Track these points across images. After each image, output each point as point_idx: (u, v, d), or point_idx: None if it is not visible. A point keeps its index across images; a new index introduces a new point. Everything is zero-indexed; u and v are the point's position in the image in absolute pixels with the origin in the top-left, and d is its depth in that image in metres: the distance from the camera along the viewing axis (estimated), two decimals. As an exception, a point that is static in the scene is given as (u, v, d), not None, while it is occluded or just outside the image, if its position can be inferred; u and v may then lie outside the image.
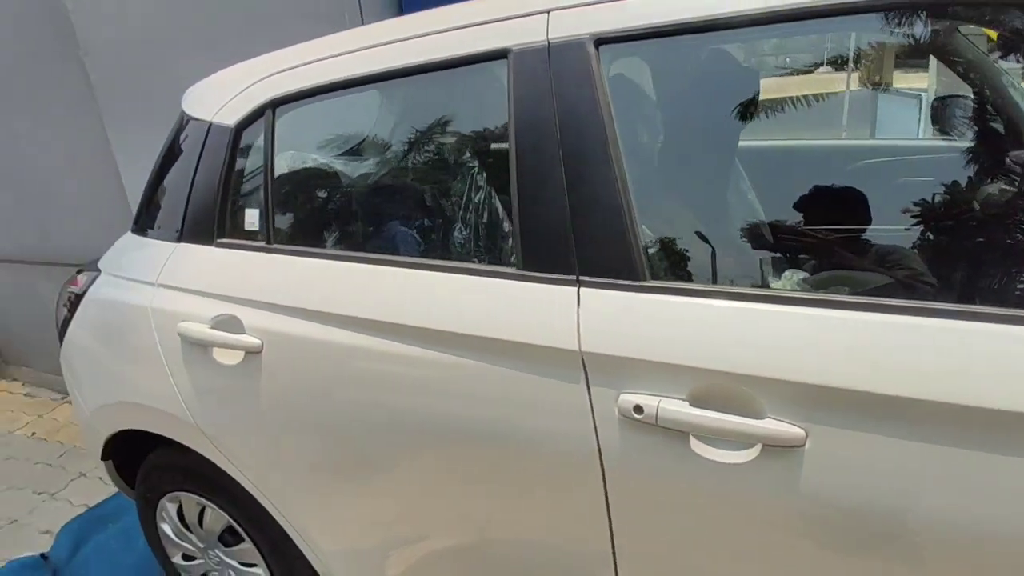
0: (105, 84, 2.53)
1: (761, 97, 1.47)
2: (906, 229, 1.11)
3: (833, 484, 0.80)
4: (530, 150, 0.98)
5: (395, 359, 1.07)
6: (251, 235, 1.30)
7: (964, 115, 1.70)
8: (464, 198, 1.16)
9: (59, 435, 2.96)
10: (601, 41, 0.94)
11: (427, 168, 1.30)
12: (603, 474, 0.94)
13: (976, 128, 1.61)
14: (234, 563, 1.56)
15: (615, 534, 0.99)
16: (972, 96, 1.61)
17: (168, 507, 1.60)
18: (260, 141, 1.30)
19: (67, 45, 2.51)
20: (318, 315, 1.14)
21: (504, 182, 1.01)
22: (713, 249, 1.03)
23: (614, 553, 1.00)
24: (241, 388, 1.24)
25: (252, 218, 1.30)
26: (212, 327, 1.25)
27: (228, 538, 1.55)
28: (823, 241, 1.11)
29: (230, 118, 1.33)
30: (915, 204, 1.11)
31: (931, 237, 1.14)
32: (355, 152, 1.38)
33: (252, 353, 1.21)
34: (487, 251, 1.16)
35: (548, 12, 0.98)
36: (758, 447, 0.84)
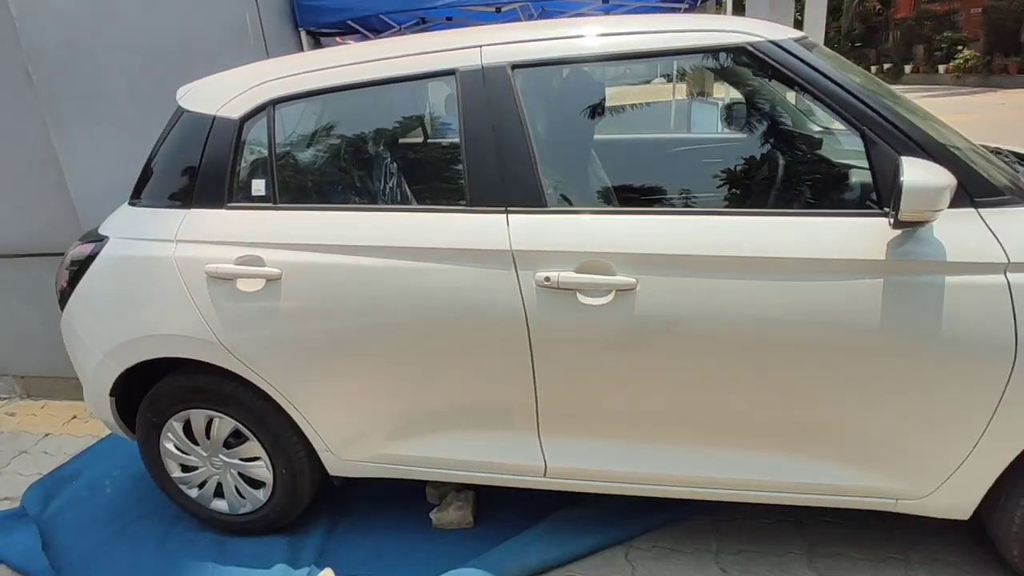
0: (48, 89, 2.73)
1: (609, 103, 2.21)
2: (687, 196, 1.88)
3: (654, 308, 1.50)
4: (474, 133, 1.59)
5: (388, 270, 1.62)
6: (258, 199, 1.77)
7: (741, 115, 2.57)
8: (429, 165, 1.74)
9: (-17, 422, 3.03)
10: (515, 66, 1.58)
11: (402, 147, 1.86)
12: (527, 325, 1.57)
13: (750, 124, 2.46)
14: (236, 461, 1.98)
15: (536, 375, 1.61)
16: (745, 103, 2.47)
17: (175, 425, 1.97)
18: (262, 131, 1.77)
19: (11, 51, 2.68)
20: (326, 247, 1.65)
21: (456, 152, 1.61)
22: (581, 189, 1.71)
23: (536, 392, 1.63)
24: (262, 308, 1.71)
25: (259, 186, 1.77)
26: (237, 264, 1.71)
27: (231, 441, 1.97)
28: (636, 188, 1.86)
29: (235, 112, 1.78)
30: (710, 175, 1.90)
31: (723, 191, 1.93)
32: (342, 138, 1.90)
33: (272, 280, 1.69)
34: (446, 197, 1.75)
35: (480, 47, 1.60)
36: (613, 292, 1.51)
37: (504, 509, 2.08)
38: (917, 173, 1.25)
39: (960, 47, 18.84)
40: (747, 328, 1.45)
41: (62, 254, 2.00)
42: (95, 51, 2.72)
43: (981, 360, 1.36)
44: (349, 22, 5.28)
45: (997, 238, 1.33)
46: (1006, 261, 1.32)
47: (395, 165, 1.86)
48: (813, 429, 1.53)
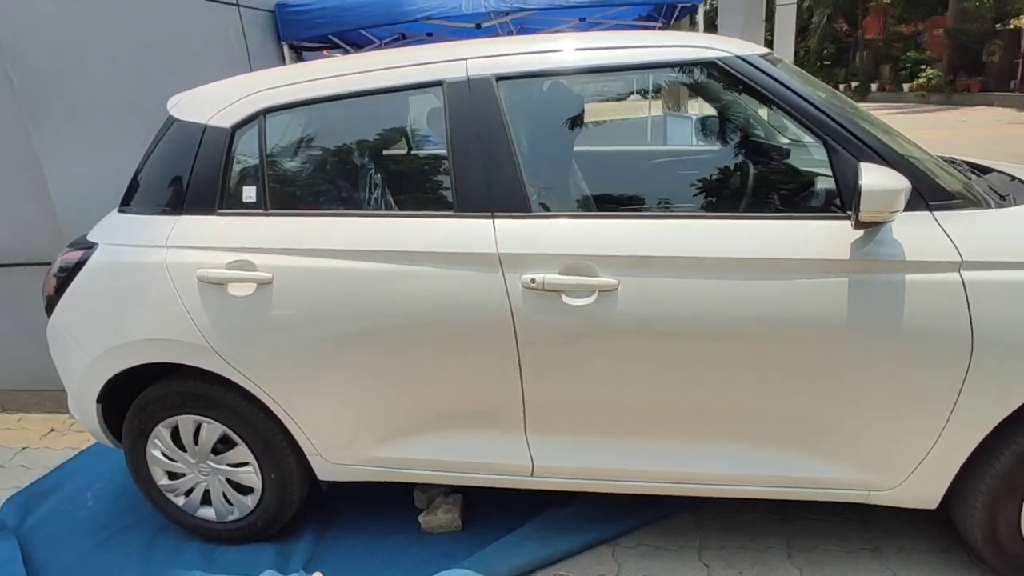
0: (30, 94, 2.73)
1: (589, 118, 2.31)
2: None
3: (634, 307, 1.56)
4: (460, 141, 1.65)
5: (377, 274, 1.66)
6: (249, 205, 1.81)
7: (714, 128, 2.67)
8: (415, 173, 1.79)
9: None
10: (499, 77, 1.65)
11: (388, 157, 1.92)
12: (514, 326, 1.62)
13: (723, 135, 2.57)
14: (224, 467, 1.99)
15: (523, 375, 1.66)
16: (718, 116, 2.58)
17: (162, 432, 1.98)
18: (253, 139, 1.81)
19: None
20: (316, 251, 1.69)
21: (441, 162, 1.67)
22: (564, 195, 1.78)
23: (523, 392, 1.68)
24: (254, 312, 1.74)
25: (250, 193, 1.81)
26: (228, 269, 1.74)
27: (220, 447, 1.98)
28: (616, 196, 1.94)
29: (226, 121, 1.82)
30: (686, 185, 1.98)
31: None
32: (331, 148, 1.95)
33: (263, 284, 1.72)
34: (434, 204, 1.80)
35: (466, 59, 1.67)
36: (596, 293, 1.57)
37: (492, 512, 2.11)
38: (874, 177, 1.34)
39: (924, 66, 19.57)
40: (723, 326, 1.52)
41: (42, 263, 2.01)
42: (80, 58, 2.74)
43: (940, 353, 1.45)
44: (331, 36, 5.37)
45: (951, 238, 1.43)
46: (959, 260, 1.42)
47: (381, 174, 1.91)
48: (787, 424, 1.60)
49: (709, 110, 2.74)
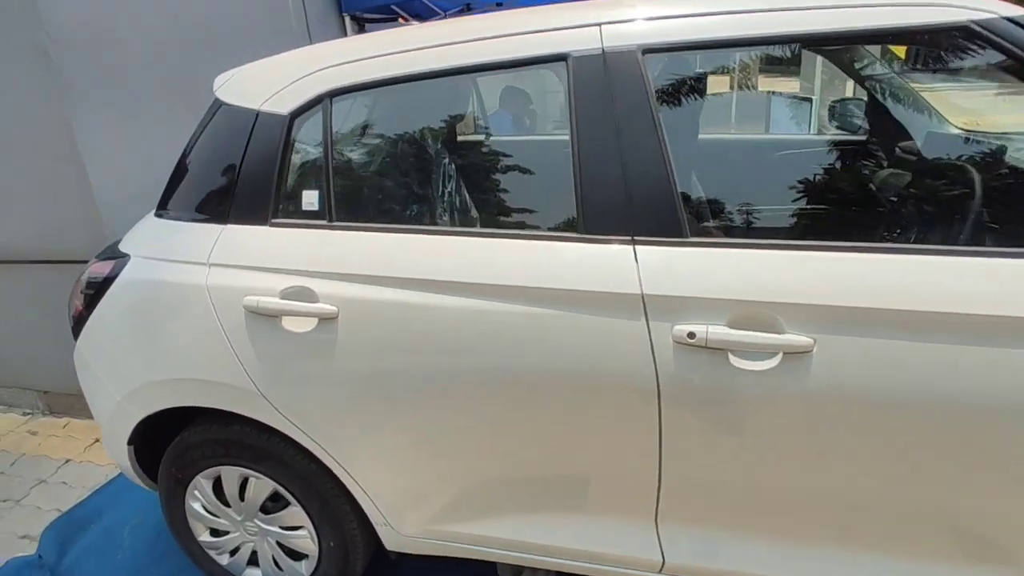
0: (71, 73, 2.43)
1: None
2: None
3: (837, 378, 1.10)
4: (590, 137, 1.21)
5: (474, 314, 1.25)
6: (311, 215, 1.42)
7: (858, 114, 2.13)
8: (530, 177, 1.37)
9: (1, 443, 2.77)
10: (647, 50, 1.19)
11: (490, 150, 1.49)
12: (658, 393, 1.19)
13: (870, 123, 2.03)
14: (274, 529, 1.65)
15: (664, 453, 1.23)
16: (865, 99, 2.04)
17: (203, 483, 1.65)
18: (316, 129, 1.42)
19: (29, 30, 2.39)
20: (395, 280, 1.30)
21: (565, 161, 1.24)
22: (736, 211, 1.32)
23: (660, 472, 1.25)
24: (313, 353, 1.36)
25: (311, 199, 1.42)
26: (282, 298, 1.36)
27: (269, 505, 1.64)
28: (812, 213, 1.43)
29: (283, 107, 1.43)
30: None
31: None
32: (415, 141, 1.54)
33: (326, 320, 1.34)
34: (554, 221, 1.37)
35: (600, 25, 1.22)
36: (780, 355, 1.12)
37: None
38: None
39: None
40: (980, 414, 1.05)
41: (84, 261, 1.70)
42: (122, 33, 2.42)
43: None
44: (393, 7, 4.95)
45: None
46: None
47: (485, 177, 1.48)
48: None
49: (788, 88, 2.17)
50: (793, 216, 1.43)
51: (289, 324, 1.37)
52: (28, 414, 3.10)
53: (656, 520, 1.35)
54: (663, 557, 1.37)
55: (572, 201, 1.23)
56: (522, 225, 1.43)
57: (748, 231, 1.40)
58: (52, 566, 2.02)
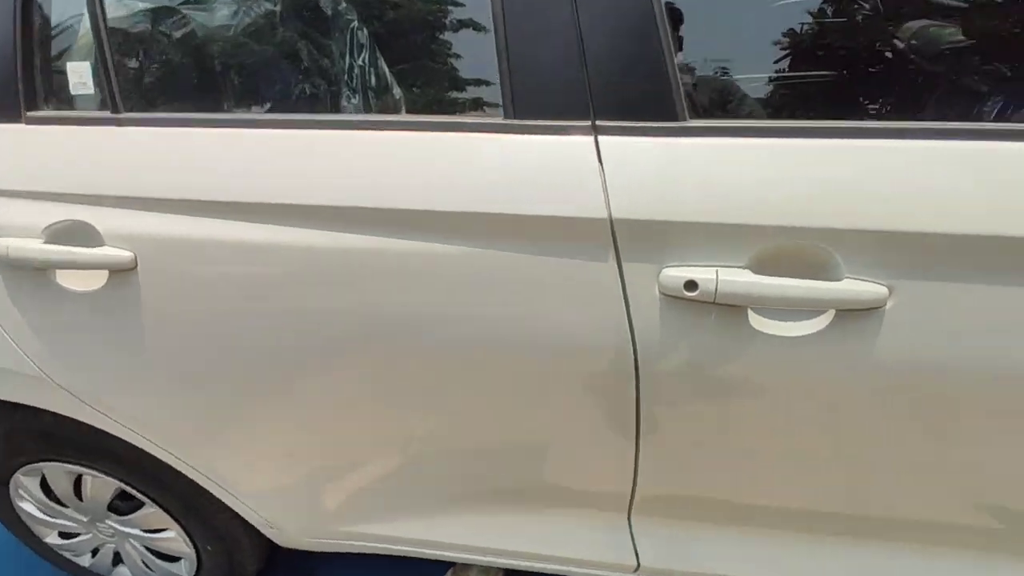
0: None
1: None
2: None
3: (916, 344, 0.70)
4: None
5: (360, 255, 0.79)
6: (84, 101, 0.89)
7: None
8: (412, 29, 0.84)
9: None
10: None
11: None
12: (636, 366, 0.78)
13: None
14: (134, 531, 1.26)
15: (641, 436, 0.85)
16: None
17: (26, 482, 1.23)
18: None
19: None
20: (229, 205, 0.81)
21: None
22: (768, 77, 0.83)
23: (637, 460, 0.87)
24: (108, 320, 0.89)
25: (81, 74, 0.88)
26: (48, 241, 0.87)
27: (120, 505, 1.24)
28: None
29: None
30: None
31: None
32: None
33: (121, 271, 0.86)
34: (454, 98, 0.87)
35: None
36: (831, 313, 0.71)
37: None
38: None
39: None
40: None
41: None
42: None
43: None
44: None
45: None
46: None
47: (365, 31, 0.91)
48: None
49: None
50: (870, 86, 0.87)
51: (67, 280, 0.88)
52: None
53: (629, 516, 1.00)
54: (638, 559, 1.03)
55: (491, 63, 0.73)
56: (428, 108, 0.92)
57: (788, 109, 0.89)
58: None
